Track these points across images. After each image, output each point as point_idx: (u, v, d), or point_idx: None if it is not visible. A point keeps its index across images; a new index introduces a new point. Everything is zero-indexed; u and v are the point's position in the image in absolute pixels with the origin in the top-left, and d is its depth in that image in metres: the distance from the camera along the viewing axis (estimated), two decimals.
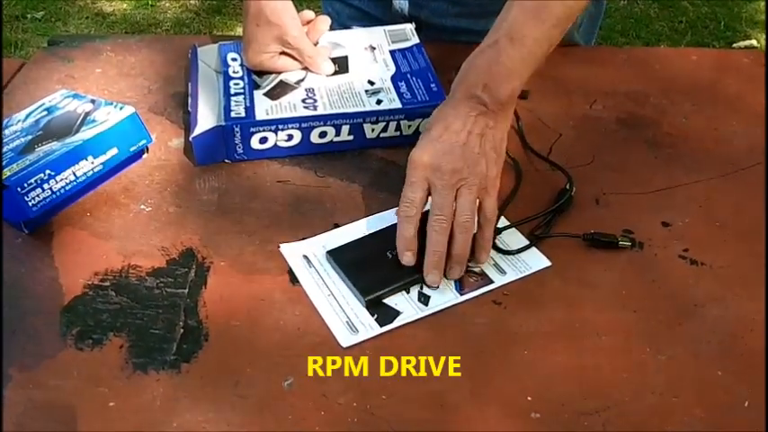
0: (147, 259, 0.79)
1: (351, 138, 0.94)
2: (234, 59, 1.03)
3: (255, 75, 1.00)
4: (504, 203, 0.85)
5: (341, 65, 1.02)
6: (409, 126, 0.95)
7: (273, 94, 0.97)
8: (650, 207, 0.87)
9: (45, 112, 0.92)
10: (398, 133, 0.95)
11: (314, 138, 0.94)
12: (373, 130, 0.94)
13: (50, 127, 0.89)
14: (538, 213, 0.84)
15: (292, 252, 0.79)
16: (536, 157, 0.94)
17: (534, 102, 1.02)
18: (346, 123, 0.93)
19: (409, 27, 1.09)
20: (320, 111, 0.93)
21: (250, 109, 0.93)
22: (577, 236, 0.81)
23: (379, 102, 0.95)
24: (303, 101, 0.95)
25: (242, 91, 0.97)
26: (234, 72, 1.00)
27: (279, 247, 0.80)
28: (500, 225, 0.82)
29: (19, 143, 0.87)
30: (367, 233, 0.81)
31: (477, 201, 0.78)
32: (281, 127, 0.92)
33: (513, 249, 0.80)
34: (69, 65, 1.11)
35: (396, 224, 0.80)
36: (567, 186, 0.87)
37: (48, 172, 0.82)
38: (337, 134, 0.94)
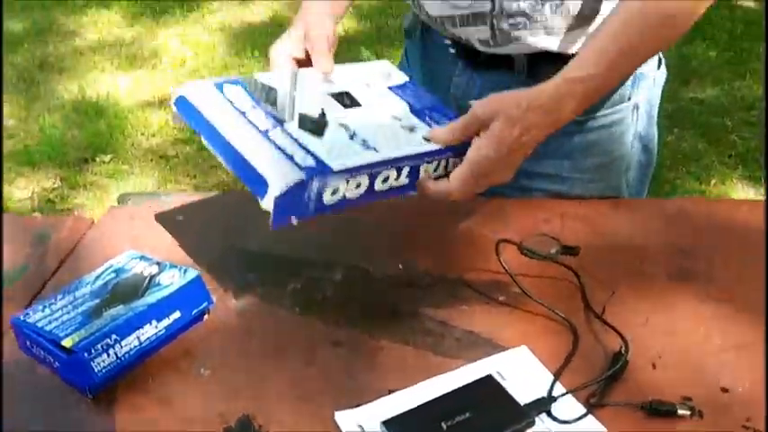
0: (205, 425, 0.80)
1: (407, 181, 0.93)
2: (233, 92, 0.95)
3: (267, 104, 0.94)
4: (560, 369, 0.85)
5: (349, 99, 1.00)
6: (455, 163, 0.95)
7: (308, 126, 0.91)
8: (708, 371, 0.86)
9: (113, 274, 0.96)
10: (445, 171, 0.95)
11: (378, 184, 0.90)
12: (426, 170, 0.94)
13: (117, 290, 0.93)
14: (593, 380, 0.84)
15: (348, 420, 0.80)
16: (591, 317, 0.94)
17: (585, 258, 1.03)
18: (407, 165, 0.91)
19: (387, 62, 1.11)
20: (384, 154, 0.90)
21: (312, 154, 0.86)
22: (635, 404, 0.80)
23: (427, 140, 0.95)
24: (351, 138, 0.91)
25: (271, 126, 0.89)
26: (240, 105, 0.93)
27: (334, 414, 0.81)
28: (555, 393, 0.82)
29: (87, 307, 0.90)
30: (422, 401, 0.81)
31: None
32: (353, 175, 0.87)
33: (570, 419, 0.79)
34: (136, 223, 1.16)
35: (451, 391, 0.81)
36: (623, 350, 0.87)
37: (113, 337, 0.85)
38: (397, 178, 0.92)
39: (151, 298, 0.90)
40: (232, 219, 1.16)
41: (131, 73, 3.76)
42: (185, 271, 0.94)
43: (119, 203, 1.23)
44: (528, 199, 1.14)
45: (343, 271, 1.01)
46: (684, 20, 0.99)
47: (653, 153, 1.24)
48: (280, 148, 0.87)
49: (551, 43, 1.06)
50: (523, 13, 1.03)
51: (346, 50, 3.64)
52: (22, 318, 0.90)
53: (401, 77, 1.08)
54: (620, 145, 1.16)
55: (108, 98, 3.53)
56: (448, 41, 1.16)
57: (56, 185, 2.97)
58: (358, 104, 0.99)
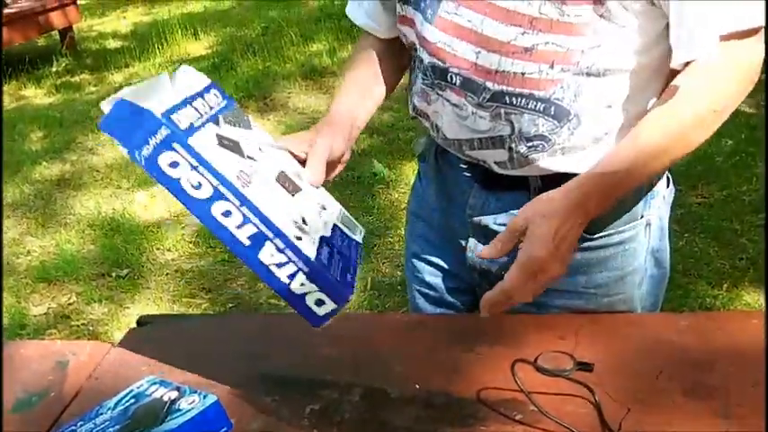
0: None
1: (248, 243, 0.86)
2: (216, 95, 0.96)
3: (225, 120, 0.94)
4: None
5: (294, 187, 0.98)
6: (302, 285, 0.87)
7: (223, 141, 0.90)
8: None
9: (133, 400, 0.98)
10: (288, 282, 0.87)
11: (215, 210, 0.84)
12: (272, 255, 0.86)
13: (137, 416, 0.94)
14: None
15: None
16: None
17: (600, 374, 1.04)
18: (251, 224, 0.85)
19: (360, 228, 1.09)
20: (247, 191, 0.84)
21: (192, 129, 0.84)
22: None
23: (299, 238, 0.87)
24: (241, 171, 0.87)
25: (201, 114, 0.89)
26: (206, 101, 0.93)
27: None
28: None
29: None
30: None
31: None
32: (201, 168, 0.83)
33: None
34: (156, 346, 1.18)
35: None
36: None
37: None
38: (239, 227, 0.85)
39: (171, 424, 0.91)
40: (249, 340, 1.17)
41: (147, 189, 3.85)
42: (204, 396, 0.95)
43: (138, 326, 1.25)
44: (543, 315, 1.16)
45: (360, 392, 1.02)
46: (711, 123, 1.01)
47: (666, 267, 1.26)
48: (177, 107, 0.87)
49: (567, 165, 1.09)
50: (542, 137, 1.07)
51: (359, 163, 3.72)
52: None
53: (357, 237, 1.07)
54: (634, 260, 1.19)
55: (124, 214, 3.60)
56: (463, 164, 1.20)
57: (71, 301, 3.00)
58: (298, 190, 0.97)
